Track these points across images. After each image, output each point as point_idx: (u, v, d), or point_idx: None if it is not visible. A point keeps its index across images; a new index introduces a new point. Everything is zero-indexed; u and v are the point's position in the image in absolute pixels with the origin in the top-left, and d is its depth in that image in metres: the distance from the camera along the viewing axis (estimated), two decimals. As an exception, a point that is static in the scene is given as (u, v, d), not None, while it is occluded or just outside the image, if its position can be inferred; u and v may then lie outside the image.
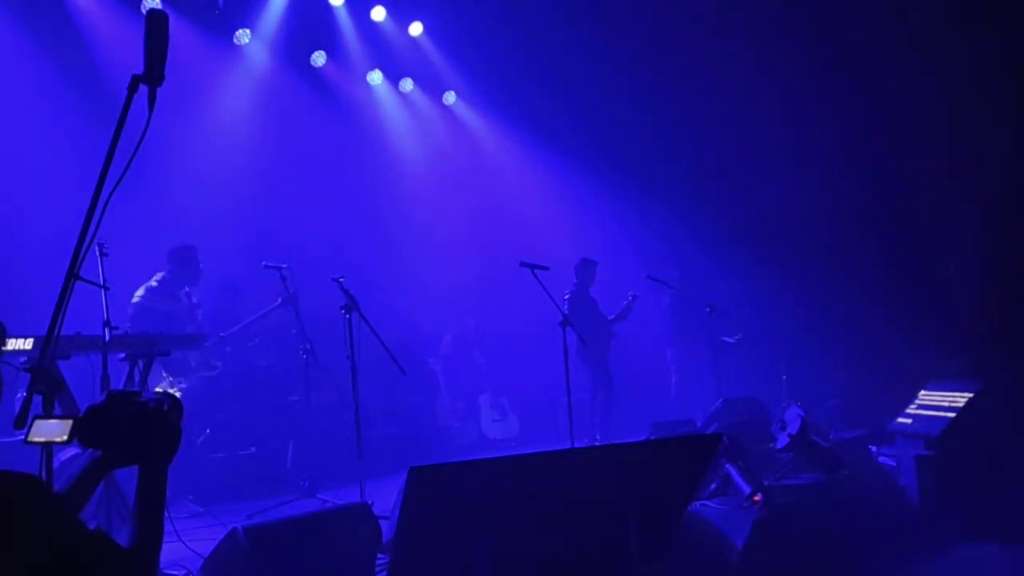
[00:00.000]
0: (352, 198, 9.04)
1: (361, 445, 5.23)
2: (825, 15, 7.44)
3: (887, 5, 7.19)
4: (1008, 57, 6.43)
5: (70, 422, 1.55)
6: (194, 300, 6.28)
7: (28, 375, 2.57)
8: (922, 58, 6.96)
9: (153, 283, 6.00)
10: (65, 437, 1.56)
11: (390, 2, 8.75)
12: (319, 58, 8.81)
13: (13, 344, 3.53)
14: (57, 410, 3.10)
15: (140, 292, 5.90)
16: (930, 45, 6.86)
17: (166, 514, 4.52)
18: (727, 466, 4.45)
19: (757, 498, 4.14)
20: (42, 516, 1.26)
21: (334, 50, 8.86)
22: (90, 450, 1.56)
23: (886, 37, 7.21)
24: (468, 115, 10.22)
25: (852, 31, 7.44)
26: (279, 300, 6.55)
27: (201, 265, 6.30)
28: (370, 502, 4.03)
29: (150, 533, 1.52)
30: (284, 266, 6.19)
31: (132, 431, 1.54)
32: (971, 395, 4.96)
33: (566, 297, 7.90)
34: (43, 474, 2.76)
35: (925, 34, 6.87)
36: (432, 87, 9.86)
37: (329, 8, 8.50)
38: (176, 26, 7.07)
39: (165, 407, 1.58)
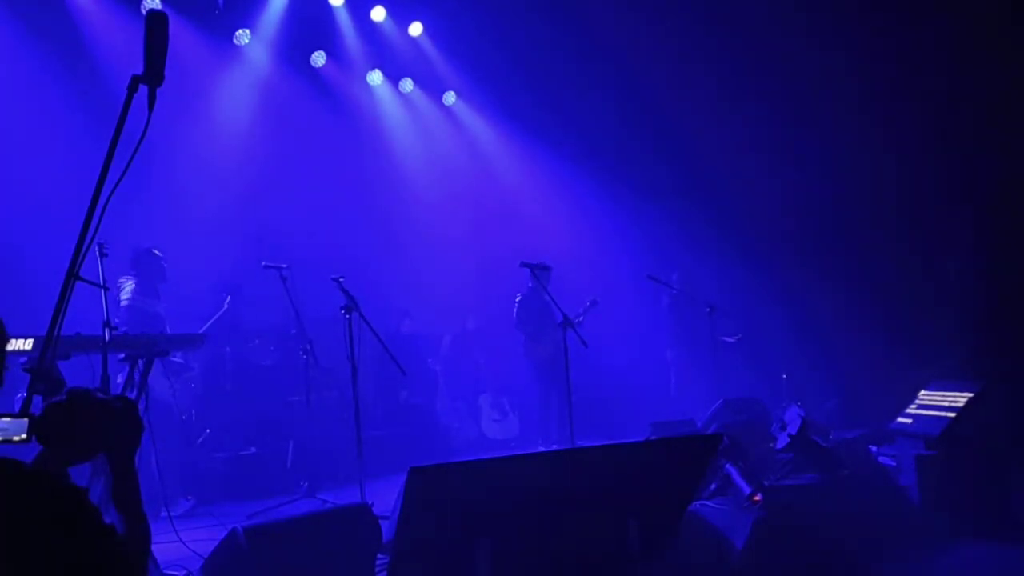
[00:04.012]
0: (352, 198, 9.05)
1: (361, 445, 5.23)
2: (819, 16, 7.44)
3: (884, 7, 7.19)
4: (1005, 56, 6.43)
5: (26, 420, 1.56)
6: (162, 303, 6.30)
7: (28, 375, 2.57)
8: (923, 56, 6.97)
9: (134, 284, 5.98)
10: (24, 435, 1.56)
11: (390, 2, 8.75)
12: (319, 58, 8.81)
13: (13, 344, 3.53)
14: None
15: (127, 295, 5.88)
16: (933, 42, 6.86)
17: (165, 513, 4.52)
18: (727, 466, 4.45)
19: (757, 498, 4.14)
20: (66, 509, 1.28)
21: (334, 50, 8.86)
22: (40, 450, 1.56)
23: (889, 35, 7.22)
24: (468, 115, 10.22)
25: (847, 32, 7.45)
26: (225, 305, 6.67)
27: (165, 264, 6.19)
28: (370, 502, 4.03)
29: (136, 522, 1.57)
30: (284, 266, 6.18)
31: (96, 427, 1.56)
32: (971, 395, 4.95)
33: (517, 299, 7.95)
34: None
35: (928, 31, 6.87)
36: (432, 87, 9.86)
37: (329, 8, 8.50)
38: (176, 26, 7.08)
39: (124, 404, 1.62)
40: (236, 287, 6.96)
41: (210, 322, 6.64)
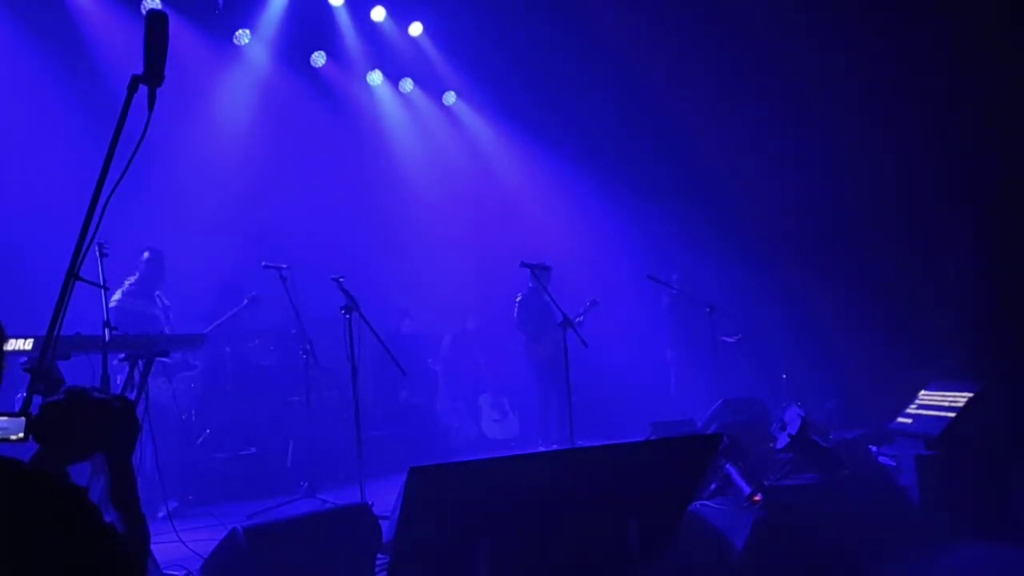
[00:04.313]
0: (352, 198, 9.05)
1: (361, 445, 5.23)
2: (819, 16, 7.44)
3: (884, 7, 7.19)
4: (1011, 53, 6.43)
5: (23, 419, 1.56)
6: (166, 302, 6.30)
7: (28, 375, 2.57)
8: (923, 56, 6.97)
9: (127, 286, 6.03)
10: (21, 435, 1.57)
11: (390, 2, 8.75)
12: (319, 58, 8.81)
13: (13, 344, 3.53)
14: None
15: (117, 296, 5.93)
16: (932, 42, 6.86)
17: (165, 513, 4.49)
18: (727, 466, 4.45)
19: (757, 498, 4.14)
20: (67, 509, 1.28)
21: (334, 50, 8.86)
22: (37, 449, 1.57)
23: (889, 35, 7.22)
24: (468, 115, 10.22)
25: (847, 32, 7.45)
26: (245, 300, 6.69)
27: (166, 269, 6.31)
28: (370, 502, 4.03)
29: (134, 521, 1.57)
30: (284, 266, 6.19)
31: (93, 426, 1.56)
32: (971, 395, 4.95)
33: (518, 299, 7.96)
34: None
35: (928, 31, 6.87)
36: (432, 87, 9.86)
37: (329, 8, 8.50)
38: (176, 26, 7.08)
39: (122, 403, 1.62)
40: (252, 288, 6.97)
41: (227, 315, 6.67)
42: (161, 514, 4.76)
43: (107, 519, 1.37)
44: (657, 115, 9.00)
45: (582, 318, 7.61)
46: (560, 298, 6.54)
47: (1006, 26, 6.41)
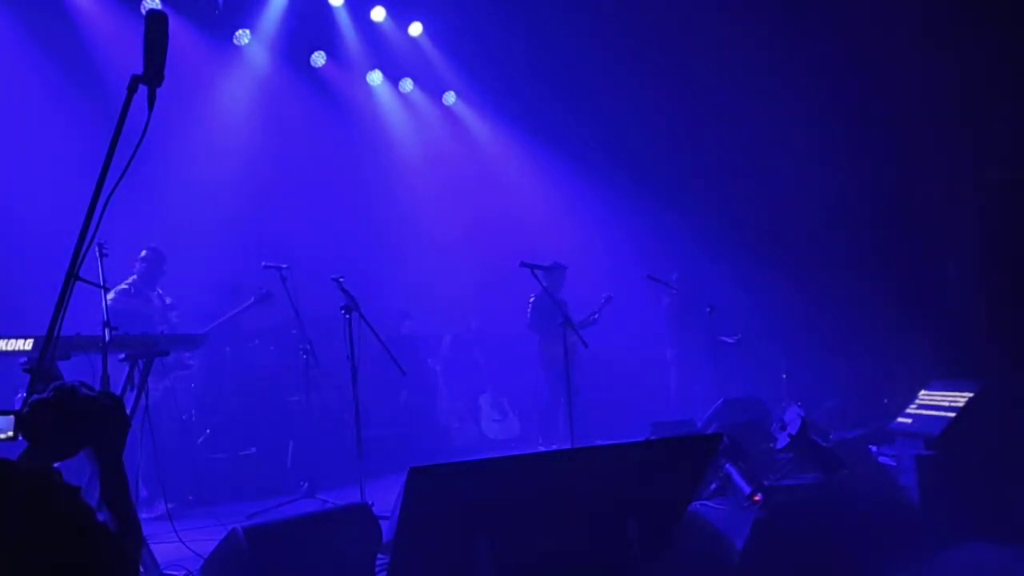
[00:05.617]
0: (352, 198, 9.05)
1: (361, 445, 5.23)
2: (828, 11, 7.44)
3: (884, 8, 7.20)
4: (1012, 52, 6.43)
5: (12, 417, 1.57)
6: (167, 301, 6.28)
7: (28, 375, 2.57)
8: (924, 55, 6.96)
9: (124, 285, 6.02)
10: (10, 433, 1.57)
11: (390, 2, 8.74)
12: (319, 58, 8.81)
13: (12, 344, 3.53)
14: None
15: (111, 295, 5.92)
16: (934, 41, 6.85)
17: (164, 512, 4.48)
18: (727, 466, 4.45)
19: (757, 498, 4.14)
20: (59, 508, 1.28)
21: (334, 50, 8.86)
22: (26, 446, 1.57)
23: (889, 34, 7.21)
24: (468, 115, 10.22)
25: (855, 29, 7.44)
26: (252, 298, 6.66)
27: (164, 267, 6.30)
28: (370, 502, 4.03)
29: (125, 519, 1.58)
30: (284, 266, 6.19)
31: (82, 424, 1.57)
32: (971, 395, 4.96)
33: (531, 300, 7.96)
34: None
35: (929, 30, 6.87)
36: (432, 87, 9.86)
37: (329, 8, 8.50)
38: (176, 26, 7.08)
39: (111, 400, 1.63)
40: (252, 288, 6.95)
41: (231, 313, 6.64)
42: (161, 514, 4.75)
43: (101, 518, 1.37)
44: (657, 114, 9.00)
45: (597, 315, 7.69)
46: (561, 298, 6.55)
47: (1016, 19, 6.40)
